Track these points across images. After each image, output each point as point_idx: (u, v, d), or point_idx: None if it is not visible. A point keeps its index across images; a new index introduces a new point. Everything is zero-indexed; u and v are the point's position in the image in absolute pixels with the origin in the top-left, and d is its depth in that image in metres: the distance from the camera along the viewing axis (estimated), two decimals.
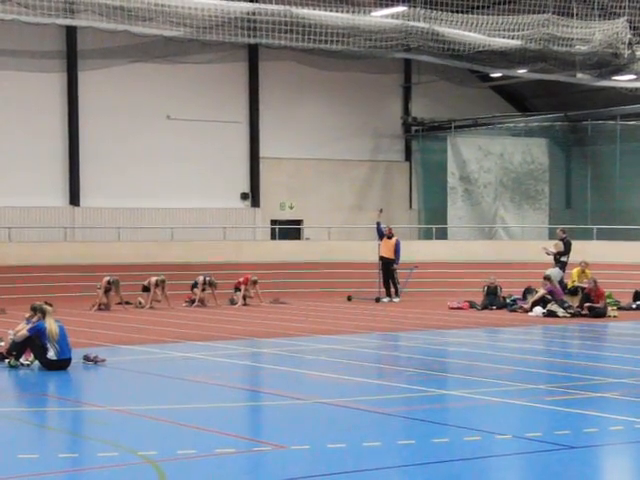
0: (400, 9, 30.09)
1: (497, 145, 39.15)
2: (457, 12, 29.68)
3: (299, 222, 38.68)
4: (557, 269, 27.39)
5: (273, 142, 38.15)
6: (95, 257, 31.38)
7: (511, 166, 38.98)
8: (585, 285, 25.88)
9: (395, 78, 41.06)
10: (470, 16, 29.78)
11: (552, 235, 32.91)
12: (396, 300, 29.67)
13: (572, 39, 29.94)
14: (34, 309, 15.99)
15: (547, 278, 25.98)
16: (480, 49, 30.16)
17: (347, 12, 29.12)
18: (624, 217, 35.98)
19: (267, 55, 36.64)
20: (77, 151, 34.45)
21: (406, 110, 41.41)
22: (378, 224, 30.62)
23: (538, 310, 25.21)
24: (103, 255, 31.53)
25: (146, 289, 27.77)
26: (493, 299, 27.33)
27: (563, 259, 28.38)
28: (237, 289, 28.76)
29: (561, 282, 26.93)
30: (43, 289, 28.32)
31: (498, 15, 29.83)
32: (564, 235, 28.85)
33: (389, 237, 30.16)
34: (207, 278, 28.31)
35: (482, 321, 23.96)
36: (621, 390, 13.36)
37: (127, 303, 27.63)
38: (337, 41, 29.40)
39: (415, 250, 32.80)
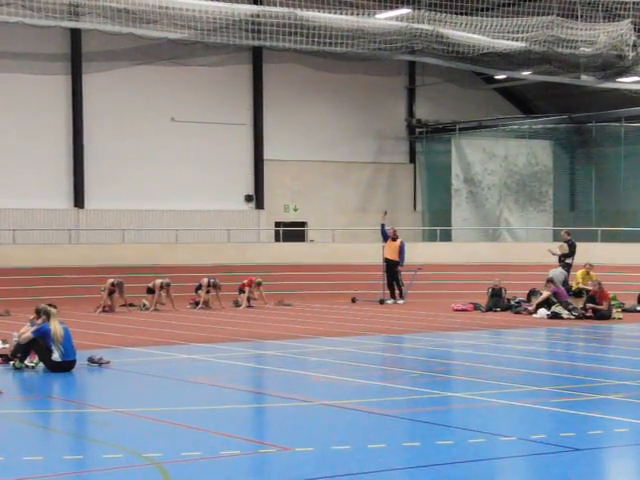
0: (404, 11, 30.11)
1: (501, 147, 39.15)
2: (461, 14, 29.68)
3: (303, 224, 38.69)
4: (559, 269, 27.36)
5: (277, 144, 38.17)
6: (99, 259, 31.42)
7: (515, 168, 38.97)
8: (590, 287, 25.86)
9: (399, 80, 41.07)
10: (474, 18, 29.78)
11: (556, 237, 32.91)
12: (400, 302, 29.67)
13: (576, 41, 29.93)
14: (38, 311, 16.01)
15: (550, 281, 25.96)
16: (484, 51, 30.17)
17: (351, 14, 29.13)
18: (629, 219, 35.95)
19: (271, 57, 36.67)
20: (82, 153, 34.50)
21: (410, 112, 41.42)
22: (382, 226, 30.63)
23: (542, 312, 25.20)
24: (107, 257, 31.57)
25: (151, 291, 27.79)
26: (497, 301, 27.31)
27: (568, 261, 28.35)
28: (241, 291, 28.78)
29: (565, 284, 26.91)
30: (47, 291, 28.36)
31: (502, 17, 29.83)
32: (569, 237, 28.83)
33: (393, 239, 30.16)
34: (211, 280, 28.32)
35: (486, 323, 23.94)
36: (626, 392, 13.34)
37: (131, 305, 27.64)
38: (341, 43, 29.42)
39: (419, 252, 32.82)
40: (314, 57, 34.16)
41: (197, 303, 28.24)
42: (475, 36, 29.59)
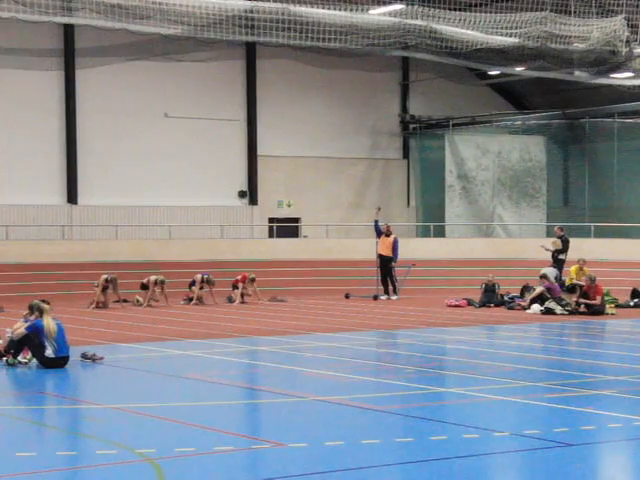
0: (398, 7, 30.08)
1: (495, 143, 39.16)
2: (455, 10, 29.66)
3: (297, 220, 38.69)
4: (552, 268, 27.37)
5: (271, 140, 38.15)
6: (93, 255, 31.39)
7: (509, 164, 38.99)
8: (583, 283, 25.87)
9: (393, 76, 41.07)
10: (468, 14, 29.79)
11: (550, 233, 32.95)
12: (394, 298, 29.67)
13: (570, 37, 29.94)
14: (32, 307, 15.98)
15: (543, 277, 25.98)
16: (478, 47, 30.17)
17: (345, 10, 29.11)
18: (622, 215, 36.01)
19: (265, 53, 36.66)
20: (75, 149, 34.45)
21: (404, 108, 41.42)
22: (376, 222, 30.62)
23: (536, 307, 25.22)
24: (101, 253, 31.54)
25: (144, 287, 27.74)
26: (491, 297, 27.34)
27: (561, 257, 28.41)
28: (235, 287, 28.77)
29: (559, 280, 26.94)
30: (41, 287, 28.33)
31: (496, 13, 29.82)
32: (562, 233, 28.89)
33: (387, 235, 30.15)
34: (205, 276, 28.30)
35: (480, 319, 23.96)
36: (619, 387, 13.36)
37: (125, 301, 27.62)
38: (335, 39, 29.40)
39: (413, 248, 32.83)
40: (307, 53, 34.14)
41: (190, 299, 28.22)
42: (468, 32, 29.58)
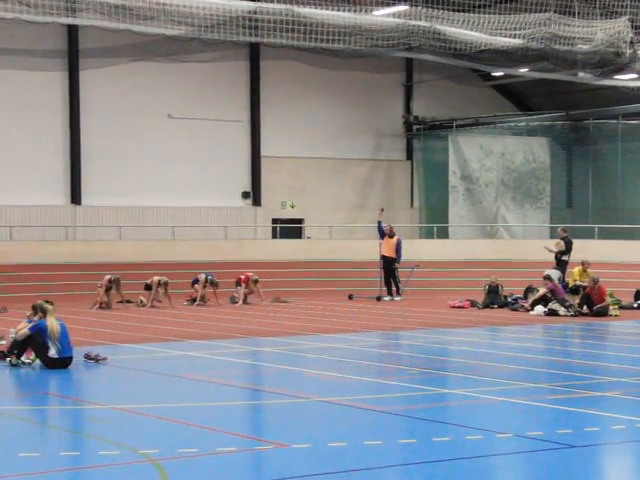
0: (402, 8, 30.08)
1: (498, 144, 39.14)
2: (459, 11, 29.67)
3: (300, 221, 38.69)
4: (555, 270, 27.35)
5: (274, 141, 38.14)
6: (96, 256, 31.41)
7: (512, 165, 38.97)
8: (586, 284, 25.83)
9: (397, 77, 41.05)
10: (472, 15, 29.77)
11: (553, 234, 32.91)
12: (397, 299, 29.67)
13: (574, 38, 29.92)
14: (35, 308, 15.99)
15: (547, 277, 25.96)
16: (482, 48, 30.15)
17: (349, 11, 29.11)
18: (625, 216, 35.98)
19: (268, 54, 36.65)
20: (78, 150, 34.46)
21: (408, 109, 41.41)
22: (379, 223, 30.63)
23: (539, 309, 25.21)
24: (104, 254, 31.56)
25: (148, 288, 27.75)
26: (494, 298, 27.32)
27: (564, 258, 28.39)
28: (237, 284, 28.76)
29: (562, 281, 26.91)
30: (44, 288, 28.35)
31: (500, 14, 29.80)
32: (565, 234, 28.88)
33: (390, 236, 30.16)
34: (209, 277, 28.30)
35: (483, 320, 23.95)
36: (623, 389, 13.35)
37: (128, 302, 27.63)
38: (339, 40, 29.39)
39: (416, 249, 32.81)
40: (311, 54, 34.11)
41: (194, 300, 28.23)
42: (472, 33, 29.57)
